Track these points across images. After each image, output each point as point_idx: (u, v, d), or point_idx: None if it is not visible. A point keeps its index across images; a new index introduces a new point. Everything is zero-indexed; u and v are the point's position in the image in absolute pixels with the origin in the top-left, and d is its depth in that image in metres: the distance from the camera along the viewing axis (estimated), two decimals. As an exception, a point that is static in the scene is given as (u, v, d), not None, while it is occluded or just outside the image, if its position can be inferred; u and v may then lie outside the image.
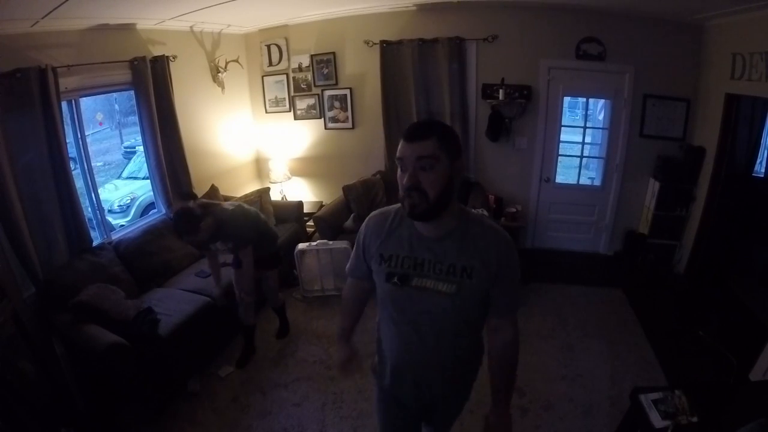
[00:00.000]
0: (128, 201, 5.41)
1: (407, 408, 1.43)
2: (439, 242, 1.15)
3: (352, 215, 4.06)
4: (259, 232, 2.77)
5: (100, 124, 9.04)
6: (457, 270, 1.13)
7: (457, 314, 1.18)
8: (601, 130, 4.20)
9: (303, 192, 4.89)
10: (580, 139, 4.24)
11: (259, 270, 2.80)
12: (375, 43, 4.10)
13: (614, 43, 3.73)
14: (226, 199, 4.06)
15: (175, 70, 3.56)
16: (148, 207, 5.24)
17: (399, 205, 1.17)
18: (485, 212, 3.55)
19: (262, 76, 4.66)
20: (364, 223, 1.29)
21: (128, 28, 3.25)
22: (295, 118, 4.70)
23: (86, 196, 3.16)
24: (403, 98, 4.20)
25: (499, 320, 1.24)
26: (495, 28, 3.89)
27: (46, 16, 2.45)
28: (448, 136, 1.07)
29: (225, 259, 3.32)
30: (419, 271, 1.16)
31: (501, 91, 3.88)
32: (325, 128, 4.64)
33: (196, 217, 2.38)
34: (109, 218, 4.29)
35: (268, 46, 4.50)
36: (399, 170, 1.09)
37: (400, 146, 1.07)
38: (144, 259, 3.12)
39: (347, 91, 4.43)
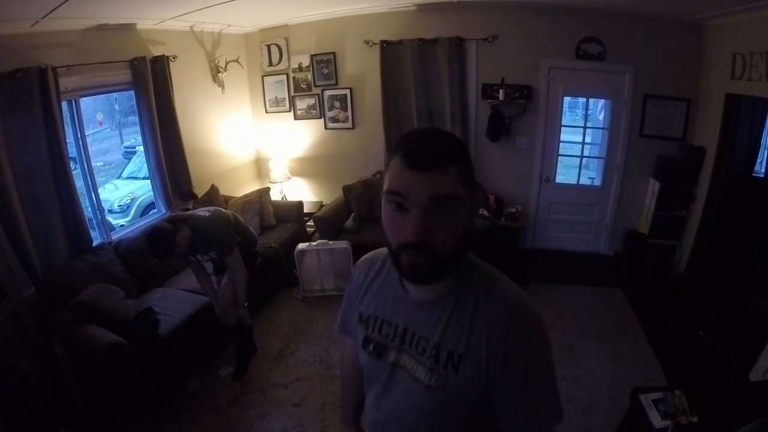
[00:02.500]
0: (128, 201, 5.41)
1: None
2: (425, 308, 0.80)
3: (352, 215, 4.06)
4: (240, 234, 2.69)
5: (100, 124, 9.04)
6: (441, 355, 0.77)
7: (438, 419, 0.80)
8: (601, 130, 4.20)
9: (303, 192, 4.89)
10: (580, 139, 4.24)
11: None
12: (375, 43, 4.10)
13: (614, 43, 3.73)
14: (227, 199, 4.07)
15: (175, 70, 3.56)
16: (148, 207, 5.23)
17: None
18: (485, 212, 3.55)
19: (262, 76, 4.66)
20: (352, 270, 0.98)
21: (128, 28, 3.25)
22: (295, 118, 4.70)
23: (86, 196, 3.16)
24: (403, 98, 4.20)
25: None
26: (495, 28, 3.89)
27: (46, 16, 2.45)
28: (468, 159, 0.72)
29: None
30: (399, 344, 0.83)
31: (501, 91, 3.88)
32: (325, 128, 4.64)
33: (168, 233, 2.27)
34: (109, 218, 4.28)
35: (268, 46, 4.50)
36: (388, 209, 0.71)
37: (396, 174, 0.69)
38: (144, 259, 3.09)
39: (347, 91, 4.43)
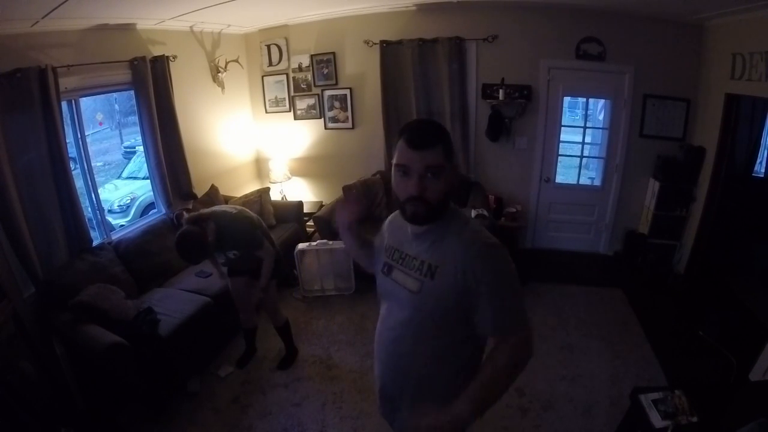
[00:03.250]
0: (128, 201, 5.41)
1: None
2: (420, 237, 1.13)
3: (352, 215, 4.05)
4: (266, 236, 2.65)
5: (100, 124, 9.04)
6: (423, 267, 1.09)
7: (418, 317, 1.11)
8: (601, 130, 4.20)
9: (303, 192, 4.89)
10: (580, 139, 4.24)
11: (255, 280, 2.61)
12: (375, 43, 4.10)
13: (614, 43, 3.73)
14: (227, 199, 4.07)
15: (175, 70, 3.56)
16: (148, 207, 5.24)
17: None
18: (485, 212, 3.56)
19: (262, 76, 4.66)
20: (387, 220, 1.34)
21: (128, 28, 3.25)
22: (295, 118, 4.70)
23: (86, 196, 3.16)
24: (403, 98, 4.20)
25: (492, 340, 1.08)
26: (495, 28, 3.89)
27: (46, 16, 2.45)
28: (449, 140, 1.07)
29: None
30: (400, 264, 1.17)
31: (501, 91, 3.88)
32: (325, 128, 4.64)
33: (197, 235, 2.25)
34: (109, 218, 4.29)
35: (268, 46, 4.50)
36: (397, 176, 1.07)
37: (402, 152, 1.04)
38: (144, 259, 3.12)
39: (347, 91, 4.43)
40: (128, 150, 7.51)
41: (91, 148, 3.65)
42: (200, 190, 3.90)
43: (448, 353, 1.14)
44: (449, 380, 1.14)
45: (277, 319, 2.83)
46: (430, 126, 1.08)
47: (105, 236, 3.23)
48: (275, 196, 4.48)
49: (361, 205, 1.38)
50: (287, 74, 4.55)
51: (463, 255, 1.04)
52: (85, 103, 3.87)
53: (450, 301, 1.06)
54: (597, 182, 4.28)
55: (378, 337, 1.25)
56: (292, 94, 4.62)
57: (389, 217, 1.33)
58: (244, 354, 2.98)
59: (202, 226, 2.34)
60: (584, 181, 4.50)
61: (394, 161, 1.07)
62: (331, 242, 3.60)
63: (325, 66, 4.38)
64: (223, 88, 4.28)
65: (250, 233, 2.46)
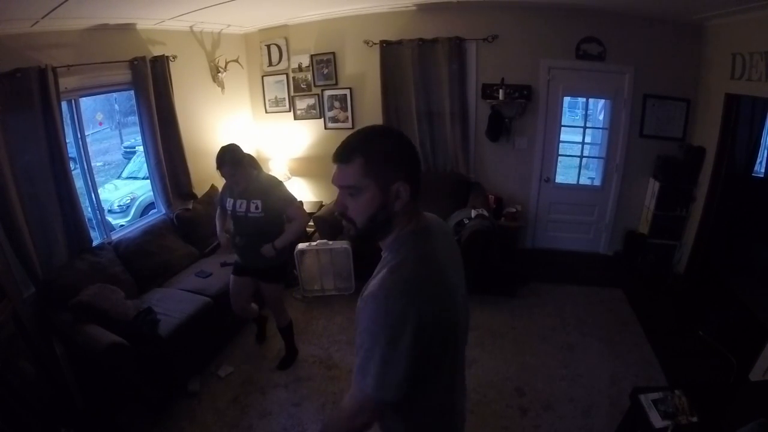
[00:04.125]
0: (128, 201, 5.41)
1: None
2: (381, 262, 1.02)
3: (352, 215, 4.05)
4: None
5: (100, 124, 9.05)
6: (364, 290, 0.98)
7: None
8: (601, 130, 4.20)
9: (303, 192, 4.89)
10: (580, 139, 4.24)
11: (264, 282, 2.67)
12: (375, 43, 4.10)
13: (614, 43, 3.73)
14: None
15: (175, 70, 3.56)
16: (148, 207, 5.24)
17: None
18: (485, 212, 3.55)
19: (262, 76, 4.66)
20: None
21: (128, 28, 3.25)
22: (295, 118, 4.70)
23: (86, 196, 3.16)
24: (403, 98, 4.20)
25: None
26: (495, 28, 3.89)
27: (46, 16, 2.45)
28: (379, 155, 0.90)
29: (225, 260, 3.35)
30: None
31: (501, 91, 3.88)
32: (325, 128, 4.64)
33: (241, 150, 2.43)
34: (109, 218, 4.29)
35: (268, 46, 4.50)
36: None
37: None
38: (144, 259, 3.12)
39: (347, 91, 4.43)
40: (128, 150, 7.51)
41: (91, 148, 3.65)
42: (200, 190, 3.90)
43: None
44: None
45: (282, 319, 2.84)
46: (357, 135, 0.94)
47: (105, 236, 3.23)
48: (275, 196, 4.47)
49: None
50: (287, 74, 4.55)
51: (362, 301, 0.93)
52: (85, 103, 3.87)
53: None
54: (597, 182, 4.28)
55: None
56: (292, 94, 4.62)
57: None
58: (258, 333, 3.18)
59: (248, 162, 2.47)
60: (584, 181, 4.50)
61: None
62: (331, 242, 3.60)
63: (325, 66, 4.38)
64: (223, 88, 4.28)
65: (278, 189, 2.53)
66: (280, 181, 2.60)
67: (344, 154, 0.91)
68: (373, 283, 0.91)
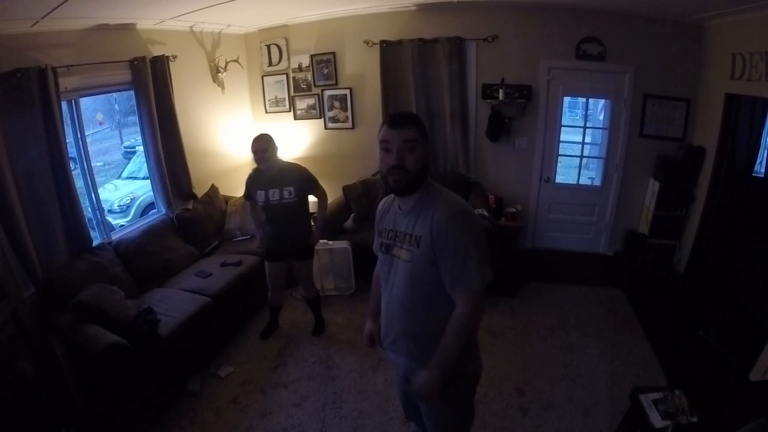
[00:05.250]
0: (128, 201, 5.41)
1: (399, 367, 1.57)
2: (407, 214, 1.33)
3: (352, 215, 4.06)
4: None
5: (100, 124, 9.05)
6: (412, 239, 1.30)
7: (412, 281, 1.32)
8: (601, 130, 4.20)
9: (303, 192, 4.89)
10: (580, 139, 4.24)
11: (299, 261, 2.97)
12: (375, 43, 4.10)
13: (614, 43, 3.73)
14: (226, 199, 4.07)
15: (175, 70, 3.56)
16: (148, 207, 5.24)
17: None
18: (485, 212, 3.55)
19: (262, 76, 4.66)
20: (378, 207, 1.53)
21: (128, 28, 3.25)
22: (295, 118, 4.70)
23: (86, 196, 3.16)
24: (403, 98, 4.20)
25: (452, 293, 1.28)
26: (495, 28, 3.89)
27: (46, 16, 2.45)
28: (422, 125, 1.30)
29: (225, 260, 3.35)
30: (396, 241, 1.37)
31: (501, 91, 3.88)
32: (325, 128, 4.64)
33: (271, 138, 2.71)
34: (109, 218, 4.29)
35: (268, 46, 4.50)
36: (381, 152, 1.28)
37: (384, 131, 1.27)
38: (144, 259, 3.12)
39: (347, 91, 4.43)
40: (128, 150, 7.51)
41: (91, 148, 3.65)
42: (200, 190, 3.90)
43: (438, 306, 1.32)
44: (438, 327, 1.31)
45: (311, 291, 3.13)
46: (405, 113, 1.37)
47: (105, 236, 3.23)
48: (275, 196, 4.48)
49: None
50: (287, 74, 4.55)
51: (432, 223, 1.24)
52: (85, 103, 3.87)
53: (432, 263, 1.27)
54: (597, 182, 4.28)
55: (384, 299, 1.47)
56: (292, 94, 4.62)
57: (379, 205, 1.51)
58: (268, 327, 3.23)
59: (276, 149, 2.76)
60: (584, 181, 4.50)
61: (378, 139, 1.29)
62: (331, 242, 3.60)
63: (325, 66, 4.38)
64: (223, 88, 4.28)
65: (305, 172, 2.81)
66: (305, 168, 2.86)
67: (404, 120, 1.27)
68: (444, 209, 1.25)
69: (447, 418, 1.48)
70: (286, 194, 2.70)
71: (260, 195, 2.72)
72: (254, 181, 2.79)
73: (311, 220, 3.00)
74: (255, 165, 2.81)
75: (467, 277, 1.23)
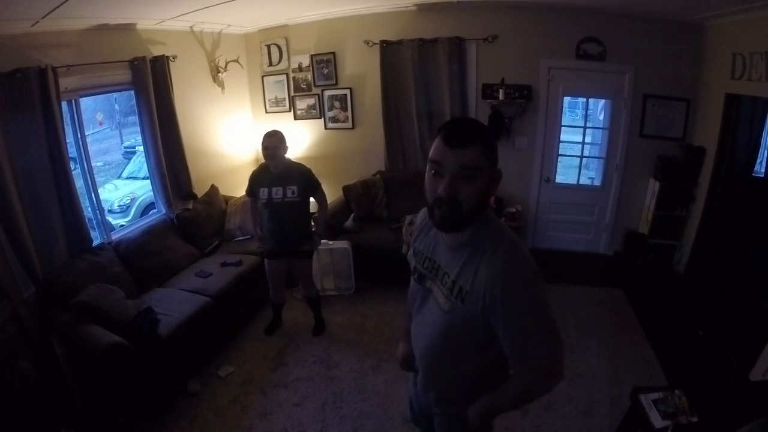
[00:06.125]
0: (128, 201, 5.41)
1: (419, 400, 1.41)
2: (452, 252, 1.06)
3: (352, 215, 4.06)
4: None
5: (100, 124, 9.05)
6: (455, 288, 1.03)
7: (447, 335, 1.09)
8: (601, 130, 4.20)
9: (303, 192, 4.89)
10: (580, 139, 4.24)
11: (299, 260, 2.97)
12: (375, 43, 4.10)
13: (614, 43, 3.73)
14: (227, 199, 4.07)
15: (175, 70, 3.56)
16: (148, 207, 5.24)
17: None
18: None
19: (262, 76, 4.66)
20: (418, 217, 1.30)
21: (128, 28, 3.25)
22: (295, 118, 4.70)
23: (86, 196, 3.16)
24: (403, 98, 4.20)
25: (515, 368, 1.08)
26: (495, 28, 3.88)
27: (46, 16, 2.45)
28: (491, 142, 0.98)
29: (225, 260, 3.35)
30: (434, 275, 1.12)
31: (501, 91, 3.88)
32: (325, 128, 4.64)
33: (281, 135, 2.75)
34: (109, 218, 4.29)
35: (268, 46, 4.50)
36: (429, 174, 0.98)
37: (437, 147, 0.95)
38: (144, 259, 3.12)
39: (347, 91, 4.43)
40: (128, 150, 7.51)
41: (91, 148, 3.66)
42: (200, 190, 3.90)
43: (471, 356, 1.11)
44: (465, 378, 1.16)
45: (311, 290, 3.14)
46: (470, 123, 1.00)
47: (105, 236, 3.23)
48: (275, 196, 4.48)
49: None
50: (287, 74, 4.55)
51: (486, 280, 0.96)
52: (85, 103, 3.87)
53: (477, 329, 1.02)
54: (597, 182, 4.28)
55: (414, 326, 1.27)
56: (292, 94, 4.61)
57: (420, 214, 1.27)
58: (271, 323, 3.26)
59: (286, 148, 2.80)
60: (584, 181, 4.50)
61: (429, 157, 0.98)
62: (331, 242, 3.60)
63: (325, 66, 4.38)
64: (223, 88, 4.28)
65: (309, 174, 2.83)
66: (310, 169, 2.88)
67: (467, 136, 0.94)
68: (501, 268, 0.95)
69: None
70: (289, 193, 2.72)
71: (263, 192, 2.73)
72: (258, 179, 2.80)
73: (312, 222, 3.02)
74: (259, 162, 2.82)
75: (533, 352, 0.99)
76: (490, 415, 1.18)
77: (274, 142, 2.69)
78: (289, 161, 2.83)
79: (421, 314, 1.20)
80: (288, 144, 2.80)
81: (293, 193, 2.72)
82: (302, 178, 2.78)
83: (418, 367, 1.27)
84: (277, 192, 2.71)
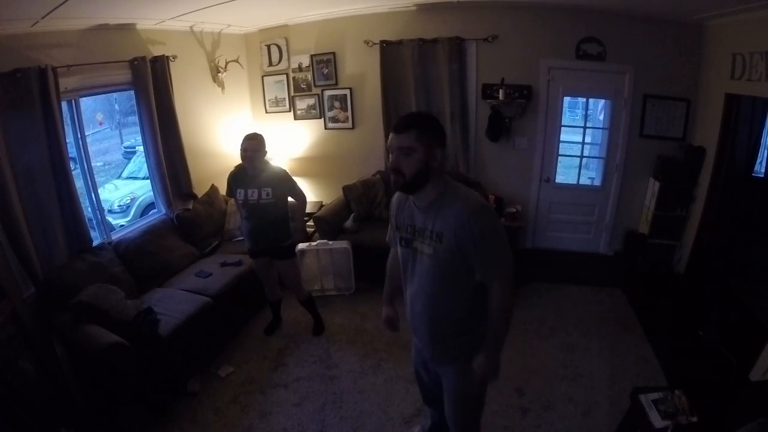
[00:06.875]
0: (128, 201, 5.41)
1: (422, 353, 1.71)
2: (425, 211, 1.41)
3: (352, 215, 4.06)
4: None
5: (100, 124, 9.06)
6: (433, 235, 1.38)
7: (437, 274, 1.42)
8: (601, 130, 4.20)
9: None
10: (580, 139, 4.24)
11: (279, 260, 2.96)
12: (375, 43, 4.10)
13: (614, 43, 3.73)
14: (227, 199, 4.07)
15: (175, 70, 3.56)
16: (148, 207, 5.24)
17: None
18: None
19: (262, 76, 4.66)
20: (392, 200, 1.62)
21: (128, 28, 3.25)
22: (295, 118, 4.70)
23: (86, 196, 3.16)
24: (403, 98, 4.20)
25: (486, 282, 1.40)
26: (495, 28, 3.89)
27: (46, 16, 2.45)
28: (427, 128, 1.33)
29: (225, 260, 3.35)
30: (416, 236, 1.45)
31: (501, 91, 3.88)
32: (325, 128, 4.64)
33: (261, 138, 2.74)
34: (109, 218, 4.29)
35: (268, 46, 4.50)
36: (390, 154, 1.37)
37: (391, 134, 1.35)
38: (144, 259, 3.12)
39: (347, 91, 4.43)
40: (128, 150, 7.52)
41: (91, 148, 3.66)
42: (200, 190, 3.90)
43: (460, 293, 1.44)
44: (460, 312, 1.48)
45: (301, 293, 3.12)
46: (411, 116, 1.38)
47: (105, 236, 3.23)
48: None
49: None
50: (287, 74, 4.55)
51: (454, 221, 1.32)
52: (85, 103, 3.87)
53: (455, 257, 1.35)
54: (597, 182, 4.28)
55: (408, 289, 1.57)
56: (292, 94, 4.61)
57: (394, 198, 1.60)
58: (271, 323, 3.29)
59: (265, 153, 2.78)
60: (584, 181, 4.50)
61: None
62: (331, 242, 3.60)
63: (325, 66, 4.38)
64: (223, 88, 4.28)
65: (284, 175, 2.83)
66: (285, 171, 2.89)
67: (403, 125, 1.33)
68: (461, 206, 1.33)
69: (469, 394, 1.62)
70: (263, 195, 2.72)
71: (240, 193, 2.75)
72: (236, 179, 2.80)
73: (290, 222, 2.96)
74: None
75: (499, 267, 1.36)
76: (495, 354, 1.47)
77: (254, 145, 2.68)
78: (266, 164, 2.82)
79: (414, 276, 1.50)
80: (267, 149, 2.79)
81: (268, 194, 2.72)
82: (277, 179, 2.77)
83: (421, 327, 1.55)
84: (253, 194, 2.72)
